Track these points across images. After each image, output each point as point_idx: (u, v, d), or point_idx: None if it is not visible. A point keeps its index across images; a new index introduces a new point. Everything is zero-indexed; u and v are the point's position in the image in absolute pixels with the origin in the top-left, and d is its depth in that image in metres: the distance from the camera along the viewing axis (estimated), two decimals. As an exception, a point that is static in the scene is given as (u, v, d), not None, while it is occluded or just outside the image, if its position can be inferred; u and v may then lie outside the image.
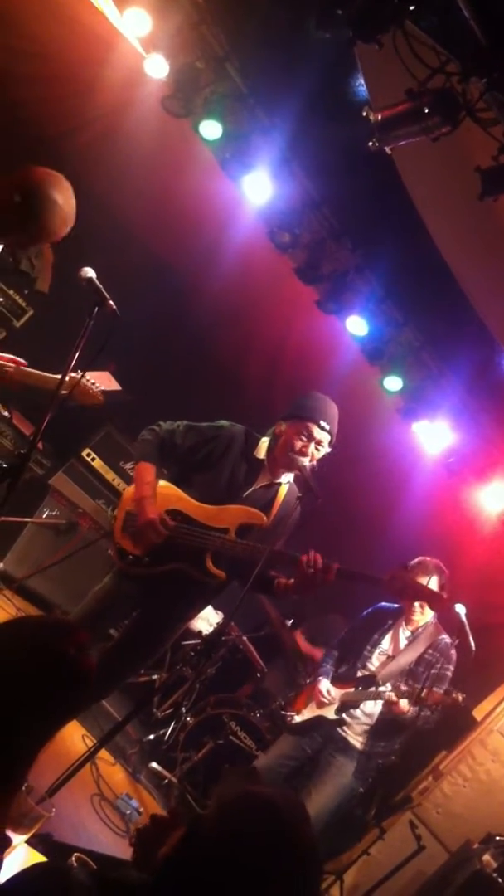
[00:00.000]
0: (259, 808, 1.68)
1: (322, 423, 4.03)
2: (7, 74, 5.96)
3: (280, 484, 4.15)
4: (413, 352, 6.65)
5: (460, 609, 4.87)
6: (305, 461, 3.97)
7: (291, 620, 6.60)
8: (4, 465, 3.17)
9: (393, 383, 6.68)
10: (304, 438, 4.01)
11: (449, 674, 4.91)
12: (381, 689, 4.85)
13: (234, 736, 5.73)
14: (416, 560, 4.96)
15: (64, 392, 3.33)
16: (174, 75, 5.40)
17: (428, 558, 4.99)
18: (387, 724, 4.86)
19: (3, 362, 3.86)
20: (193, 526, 3.99)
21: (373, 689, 4.90)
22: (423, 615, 5.03)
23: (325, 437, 4.05)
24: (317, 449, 4.04)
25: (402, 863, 5.10)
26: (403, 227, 5.50)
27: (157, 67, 5.33)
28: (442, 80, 3.81)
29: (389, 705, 4.75)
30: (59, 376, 3.80)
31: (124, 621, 4.34)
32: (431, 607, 4.78)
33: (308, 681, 5.99)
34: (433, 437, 6.79)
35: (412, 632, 5.05)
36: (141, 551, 4.00)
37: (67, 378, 3.36)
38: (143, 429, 4.20)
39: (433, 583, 4.79)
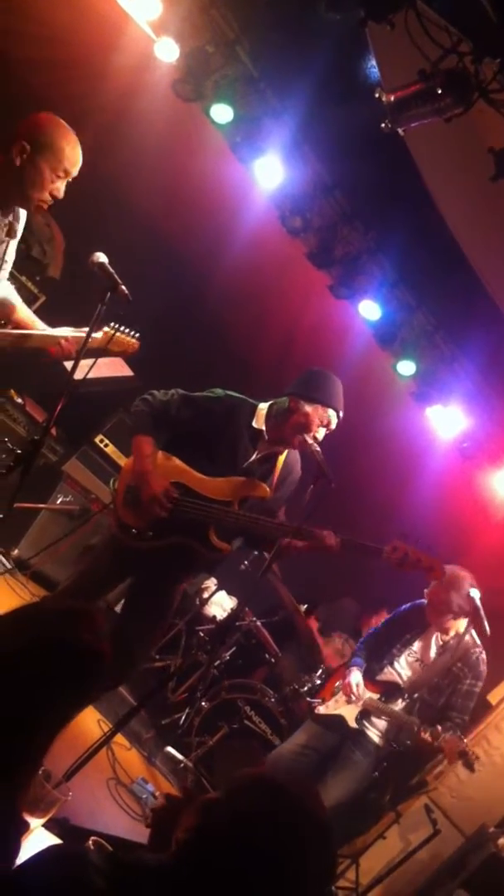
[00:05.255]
0: (269, 792, 1.69)
1: (341, 414, 4.02)
2: (17, 59, 5.95)
3: (278, 453, 4.12)
4: (426, 336, 6.62)
5: (475, 594, 4.85)
6: (317, 447, 3.94)
7: (305, 605, 6.61)
8: (18, 452, 3.17)
9: (406, 367, 6.65)
10: (323, 424, 4.00)
11: (477, 690, 4.81)
12: (408, 701, 4.81)
13: (249, 720, 5.74)
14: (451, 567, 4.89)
15: (74, 382, 3.33)
16: (184, 59, 5.37)
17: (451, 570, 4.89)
18: (408, 735, 4.79)
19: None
20: (196, 499, 3.94)
21: (396, 706, 4.83)
22: (456, 623, 4.90)
23: (335, 426, 4.04)
24: (323, 434, 4.03)
25: (417, 847, 5.11)
26: (416, 209, 5.48)
27: (168, 51, 5.31)
28: (454, 60, 3.78)
29: (421, 743, 4.65)
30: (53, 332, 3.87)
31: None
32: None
33: (322, 669, 6.00)
34: (447, 421, 6.76)
35: (444, 642, 4.94)
36: (144, 525, 3.95)
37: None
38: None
39: (473, 593, 4.77)
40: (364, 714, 4.91)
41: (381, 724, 4.88)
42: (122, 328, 3.85)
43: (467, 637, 4.92)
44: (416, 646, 4.99)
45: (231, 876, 1.58)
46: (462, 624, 4.92)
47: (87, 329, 3.76)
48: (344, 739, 4.93)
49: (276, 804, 1.66)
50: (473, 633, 4.94)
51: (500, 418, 6.76)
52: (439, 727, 4.63)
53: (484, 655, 4.88)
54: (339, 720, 4.98)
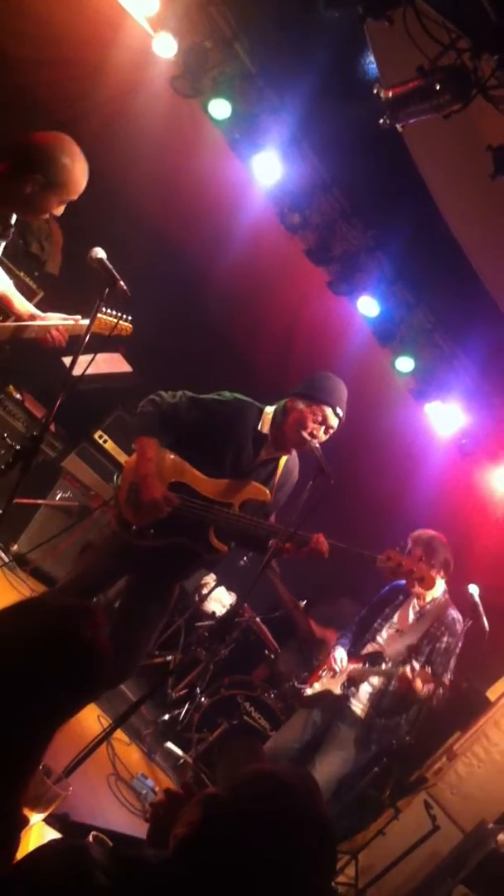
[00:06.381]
0: (271, 788, 1.69)
1: (338, 410, 4.03)
2: (14, 58, 5.94)
3: (280, 458, 4.16)
4: (425, 333, 6.62)
5: (474, 590, 4.86)
6: (316, 443, 3.96)
7: (304, 602, 6.61)
8: (17, 448, 3.17)
9: (405, 364, 6.65)
10: (318, 422, 4.01)
11: (454, 648, 4.89)
12: (391, 665, 4.88)
13: (249, 716, 5.76)
14: (418, 533, 4.97)
15: (77, 375, 3.33)
16: (182, 55, 5.36)
17: (426, 532, 4.99)
18: (391, 698, 4.85)
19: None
20: (197, 499, 3.98)
21: (380, 665, 4.92)
22: (431, 591, 4.97)
23: (336, 424, 4.06)
24: (325, 433, 4.05)
25: (416, 843, 5.11)
26: (415, 207, 5.47)
27: (166, 47, 5.30)
28: (453, 56, 3.78)
29: (402, 681, 4.74)
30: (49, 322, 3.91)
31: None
32: (422, 586, 4.72)
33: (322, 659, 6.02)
34: (445, 418, 6.76)
35: (421, 607, 5.03)
36: (144, 524, 3.97)
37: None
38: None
39: (472, 590, 4.87)
40: (349, 682, 4.99)
41: (365, 695, 4.94)
42: (109, 311, 3.87)
43: (442, 599, 5.01)
44: (396, 617, 5.10)
45: (232, 872, 1.58)
46: (437, 590, 5.01)
47: (77, 316, 3.82)
48: (332, 718, 4.99)
49: (278, 800, 1.66)
50: (449, 600, 5.03)
51: (498, 415, 6.76)
52: (416, 664, 4.76)
53: (459, 616, 4.96)
54: (327, 693, 5.06)
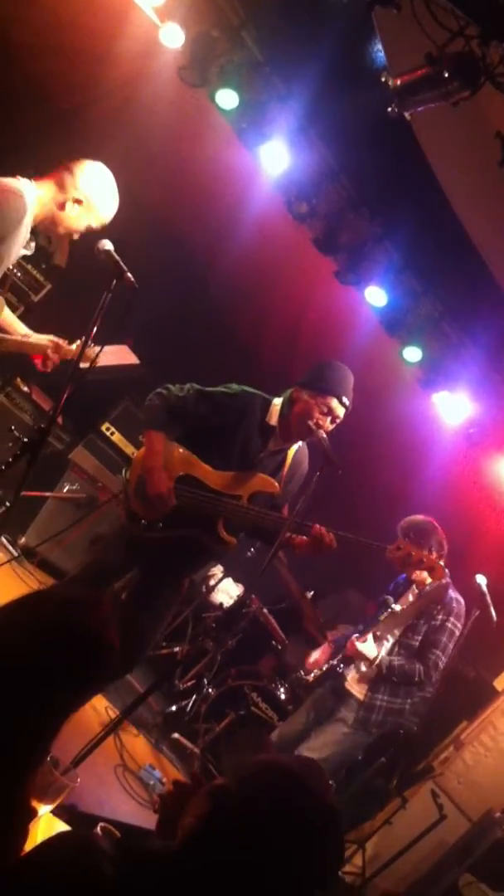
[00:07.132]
0: (278, 778, 1.69)
1: (344, 400, 4.01)
2: (21, 47, 5.92)
3: (288, 449, 4.15)
4: (433, 322, 6.58)
5: (481, 580, 4.85)
6: (322, 433, 3.95)
7: (312, 593, 6.61)
8: (24, 440, 3.17)
9: (412, 354, 6.62)
10: (324, 412, 3.99)
11: (449, 626, 4.88)
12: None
13: (256, 707, 5.77)
14: (406, 520, 4.97)
15: (84, 365, 3.34)
16: (190, 44, 5.33)
17: (415, 518, 4.98)
18: (389, 678, 4.88)
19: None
20: (206, 492, 3.98)
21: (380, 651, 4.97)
22: (429, 577, 4.97)
23: (342, 414, 4.04)
24: (332, 423, 4.03)
25: (423, 832, 5.13)
26: (422, 195, 5.45)
27: (173, 37, 5.27)
28: (461, 43, 3.75)
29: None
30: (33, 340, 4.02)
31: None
32: (433, 576, 4.71)
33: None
34: (453, 407, 6.73)
35: (420, 590, 5.04)
36: (153, 517, 3.98)
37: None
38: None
39: (479, 580, 4.87)
40: (345, 662, 5.03)
41: (365, 679, 4.96)
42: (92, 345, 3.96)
43: (444, 583, 4.99)
44: (398, 606, 5.08)
45: (239, 863, 1.58)
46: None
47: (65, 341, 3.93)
48: (335, 703, 5.02)
49: (284, 791, 1.66)
50: (450, 583, 5.01)
51: (507, 405, 6.74)
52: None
53: (460, 597, 4.95)
54: (325, 675, 5.10)
